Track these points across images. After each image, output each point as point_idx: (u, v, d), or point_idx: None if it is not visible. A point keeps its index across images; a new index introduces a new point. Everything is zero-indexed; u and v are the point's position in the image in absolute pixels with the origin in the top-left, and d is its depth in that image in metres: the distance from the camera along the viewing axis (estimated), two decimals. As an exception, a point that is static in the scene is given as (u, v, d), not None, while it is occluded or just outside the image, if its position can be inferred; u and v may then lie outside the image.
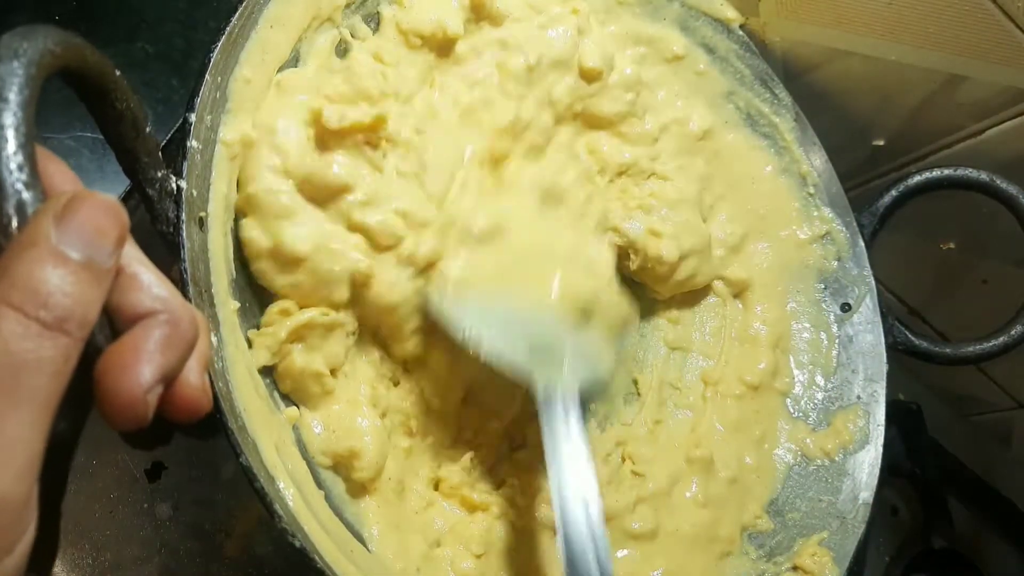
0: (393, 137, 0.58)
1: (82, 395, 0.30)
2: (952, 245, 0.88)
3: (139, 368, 0.30)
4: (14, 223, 0.28)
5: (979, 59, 0.72)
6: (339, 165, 0.54)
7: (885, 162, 0.86)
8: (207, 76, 0.48)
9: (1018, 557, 0.95)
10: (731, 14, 0.77)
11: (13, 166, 0.28)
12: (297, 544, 0.46)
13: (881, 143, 0.84)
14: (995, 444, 1.01)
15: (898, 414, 0.89)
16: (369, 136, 0.56)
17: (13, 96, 0.28)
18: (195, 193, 0.47)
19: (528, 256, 0.64)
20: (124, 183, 0.52)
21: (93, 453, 0.65)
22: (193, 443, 0.68)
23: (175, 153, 0.46)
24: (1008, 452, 1.00)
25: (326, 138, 0.55)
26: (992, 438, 1.01)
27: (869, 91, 0.80)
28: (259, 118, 0.53)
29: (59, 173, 0.33)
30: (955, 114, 0.77)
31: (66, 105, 0.66)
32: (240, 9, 0.51)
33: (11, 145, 0.28)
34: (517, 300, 0.62)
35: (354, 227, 0.55)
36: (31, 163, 0.29)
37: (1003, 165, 0.75)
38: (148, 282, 0.32)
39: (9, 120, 0.28)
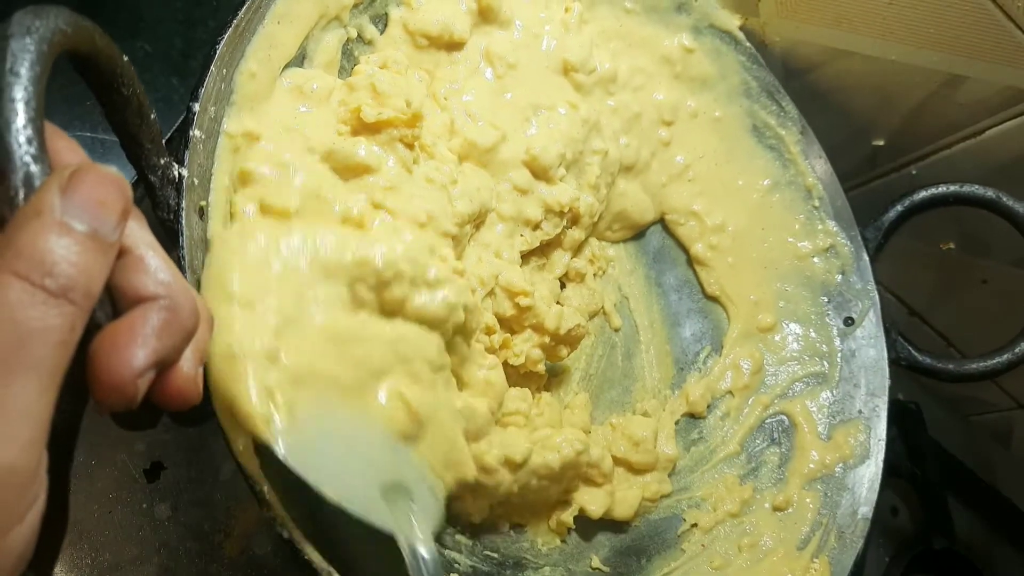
0: (428, 148, 0.59)
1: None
2: (952, 245, 0.88)
3: (133, 350, 0.30)
4: (20, 195, 0.28)
5: (979, 59, 0.72)
6: (366, 149, 0.54)
7: (885, 162, 0.86)
8: (212, 68, 0.48)
9: (1018, 557, 0.95)
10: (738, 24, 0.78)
11: (22, 139, 0.28)
12: (284, 535, 0.45)
13: (881, 143, 0.85)
14: (995, 444, 1.01)
15: (898, 414, 0.89)
16: (404, 134, 0.56)
17: (25, 71, 0.28)
18: (196, 182, 0.47)
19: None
20: (126, 177, 0.52)
21: (92, 453, 0.65)
22: (192, 443, 0.68)
23: (177, 148, 0.46)
24: (1008, 452, 1.00)
25: (360, 130, 0.55)
26: (992, 438, 1.01)
27: (869, 91, 0.80)
28: (273, 116, 0.53)
29: (67, 149, 0.33)
30: (955, 114, 0.78)
31: (66, 105, 0.67)
32: (248, 3, 0.52)
33: (21, 118, 0.28)
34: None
35: (376, 205, 0.54)
36: (40, 137, 0.29)
37: (1003, 165, 0.75)
38: (154, 266, 0.32)
39: (20, 94, 0.28)
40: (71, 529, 0.63)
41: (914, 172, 0.76)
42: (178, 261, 0.44)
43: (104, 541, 0.64)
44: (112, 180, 0.30)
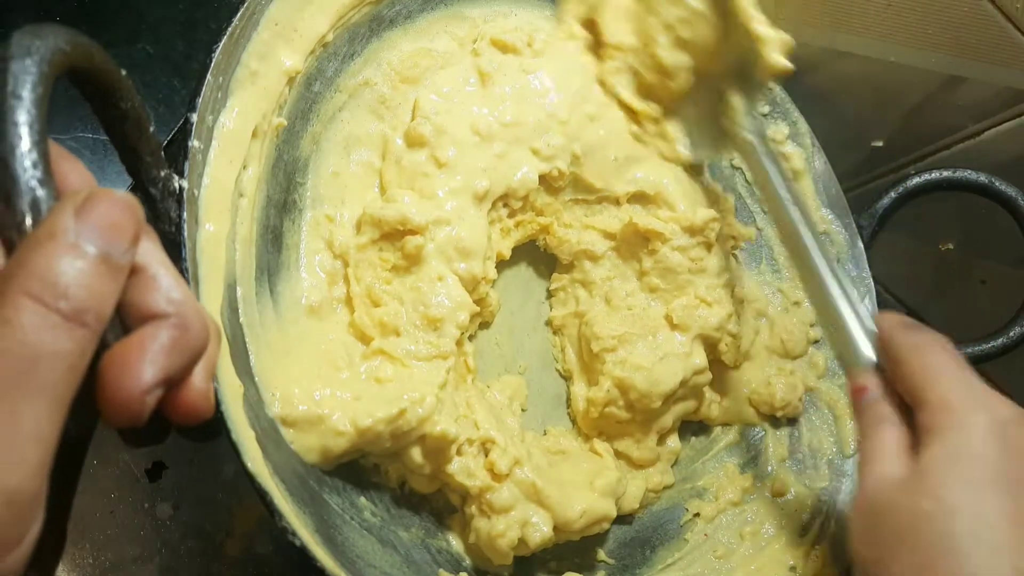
0: None
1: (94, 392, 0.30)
2: (951, 246, 0.88)
3: (141, 368, 0.30)
4: (28, 220, 0.28)
5: (978, 60, 0.72)
6: None
7: (884, 163, 0.86)
8: (209, 76, 0.48)
9: (1017, 557, 0.95)
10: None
11: (28, 163, 0.28)
12: (297, 543, 0.46)
13: (880, 144, 0.85)
14: (994, 444, 1.00)
15: (897, 414, 0.89)
16: None
17: (27, 93, 0.28)
18: (196, 193, 0.47)
19: None
20: (125, 183, 0.52)
21: (94, 453, 0.66)
22: (194, 443, 0.68)
23: (176, 153, 0.46)
24: (1007, 452, 1.00)
25: None
26: (991, 438, 1.00)
27: (868, 92, 0.80)
28: None
29: (74, 171, 0.33)
30: (954, 115, 0.77)
31: (68, 107, 0.67)
32: (242, 10, 0.52)
33: (26, 142, 0.28)
34: None
35: None
36: (45, 161, 0.29)
37: (1002, 166, 0.75)
38: (166, 285, 0.32)
39: (23, 117, 0.28)
40: (72, 528, 0.63)
41: (913, 173, 0.75)
42: (181, 273, 0.45)
43: (106, 540, 0.65)
44: (126, 204, 0.30)
